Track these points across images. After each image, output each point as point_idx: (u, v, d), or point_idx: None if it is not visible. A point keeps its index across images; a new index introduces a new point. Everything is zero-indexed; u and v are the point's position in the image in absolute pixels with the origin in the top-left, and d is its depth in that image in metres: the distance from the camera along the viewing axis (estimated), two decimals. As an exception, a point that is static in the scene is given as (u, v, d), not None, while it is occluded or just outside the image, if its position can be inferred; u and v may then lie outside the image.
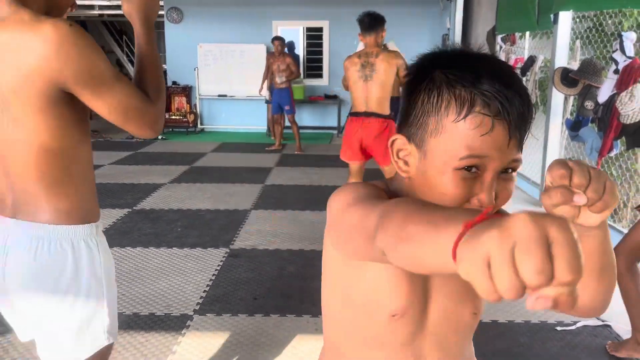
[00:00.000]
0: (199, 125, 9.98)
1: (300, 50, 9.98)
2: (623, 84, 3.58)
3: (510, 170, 0.74)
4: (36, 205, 1.20)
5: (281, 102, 7.74)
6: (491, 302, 0.42)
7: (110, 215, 4.55)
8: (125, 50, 15.61)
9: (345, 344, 0.89)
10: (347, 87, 4.15)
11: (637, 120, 3.25)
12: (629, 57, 3.66)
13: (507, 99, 0.70)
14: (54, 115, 1.15)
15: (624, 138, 3.53)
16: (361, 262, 0.78)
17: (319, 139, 9.13)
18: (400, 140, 0.79)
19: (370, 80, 3.88)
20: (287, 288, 3.18)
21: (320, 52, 9.86)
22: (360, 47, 4.26)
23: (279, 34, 9.26)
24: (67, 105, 1.16)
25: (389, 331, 0.82)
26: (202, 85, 9.88)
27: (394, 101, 4.02)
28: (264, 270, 3.45)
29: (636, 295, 2.26)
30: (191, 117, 9.72)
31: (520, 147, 0.73)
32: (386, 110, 3.94)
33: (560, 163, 0.59)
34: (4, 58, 1.11)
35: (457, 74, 0.71)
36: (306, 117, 9.82)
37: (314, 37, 9.87)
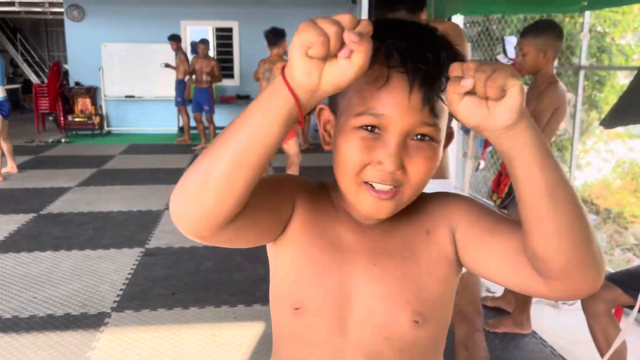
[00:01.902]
0: (105, 128, 9.66)
1: (210, 50, 9.94)
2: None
3: (423, 137, 0.67)
4: None
5: (201, 101, 7.87)
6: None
7: (14, 221, 4.37)
8: (20, 49, 14.68)
9: (277, 340, 0.83)
10: (257, 81, 5.12)
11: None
12: (511, 59, 4.09)
13: (411, 52, 0.64)
14: None
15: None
16: (274, 251, 0.77)
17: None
18: (325, 111, 0.74)
19: (270, 81, 4.81)
20: (205, 282, 3.26)
21: (231, 53, 9.89)
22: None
23: (188, 34, 9.22)
24: None
25: (302, 327, 0.75)
26: (107, 86, 9.58)
27: None
28: (181, 267, 3.50)
29: (614, 334, 2.04)
30: (97, 119, 9.38)
31: (433, 111, 0.66)
32: None
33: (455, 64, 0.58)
34: None
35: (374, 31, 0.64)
36: (218, 118, 9.78)
37: (223, 37, 9.88)
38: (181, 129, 9.07)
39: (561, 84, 2.56)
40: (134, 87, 9.64)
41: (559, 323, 2.83)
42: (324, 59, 0.54)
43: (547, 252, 0.60)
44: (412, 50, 0.64)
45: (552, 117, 2.51)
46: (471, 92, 0.57)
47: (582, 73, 3.43)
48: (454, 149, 5.49)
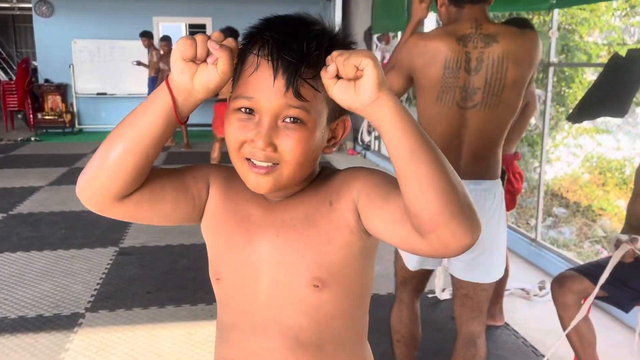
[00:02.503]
0: (77, 126, 9.48)
1: (183, 47, 9.84)
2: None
3: (295, 120, 0.73)
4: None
5: None
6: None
7: (-17, 221, 4.27)
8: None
9: (218, 314, 0.92)
10: None
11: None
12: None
13: (279, 42, 0.72)
14: None
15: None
16: (202, 229, 0.88)
17: (207, 136, 9.04)
18: None
19: None
20: (180, 280, 3.24)
21: (204, 49, 9.79)
22: None
23: (160, 30, 9.10)
24: None
25: (223, 295, 0.86)
26: (78, 83, 9.40)
27: None
28: (157, 266, 3.47)
29: (584, 324, 2.12)
30: (68, 117, 9.20)
31: (297, 94, 0.72)
32: None
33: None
34: None
35: (262, 27, 0.76)
36: (192, 115, 9.68)
37: (197, 33, 9.77)
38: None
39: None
40: (106, 84, 9.48)
41: (530, 314, 2.89)
42: (195, 63, 0.70)
43: (415, 207, 0.67)
44: (281, 41, 0.72)
45: (522, 112, 2.56)
46: (340, 77, 0.68)
47: (551, 70, 3.51)
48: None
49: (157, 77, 7.89)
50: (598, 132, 8.02)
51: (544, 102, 3.54)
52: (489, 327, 2.75)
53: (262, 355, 0.83)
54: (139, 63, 8.15)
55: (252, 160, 0.75)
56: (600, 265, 2.15)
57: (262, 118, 0.73)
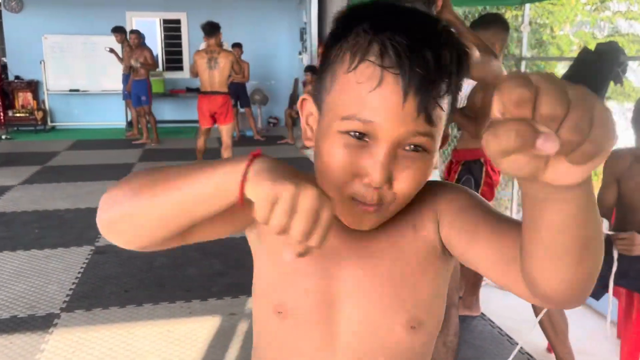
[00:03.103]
0: (49, 123, 9.30)
1: (157, 42, 9.72)
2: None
3: (416, 148, 0.59)
4: None
5: (140, 93, 7.62)
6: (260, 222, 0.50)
7: (-47, 222, 4.17)
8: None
9: (258, 343, 0.77)
10: (195, 74, 5.45)
11: (463, 105, 3.76)
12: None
13: (409, 50, 0.56)
14: None
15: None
16: (253, 241, 0.73)
17: (182, 132, 8.99)
18: (308, 102, 0.67)
19: (215, 69, 5.29)
20: (158, 278, 3.22)
21: (180, 45, 9.69)
22: (203, 45, 5.75)
23: (134, 26, 8.97)
24: None
25: (285, 333, 0.71)
26: (50, 80, 9.22)
27: (233, 85, 6.49)
28: (134, 264, 3.43)
29: (556, 313, 2.16)
30: (39, 115, 9.02)
31: (429, 119, 0.58)
32: (225, 89, 5.42)
33: (520, 79, 0.35)
34: None
35: (366, 23, 0.59)
36: (168, 111, 9.61)
37: (171, 29, 9.67)
38: (130, 123, 8.85)
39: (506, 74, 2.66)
40: (79, 80, 9.31)
41: (506, 305, 2.95)
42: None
43: (549, 289, 0.53)
44: (410, 48, 0.56)
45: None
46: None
47: (523, 63, 3.57)
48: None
49: (130, 75, 7.75)
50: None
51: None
52: (466, 317, 2.80)
53: None
54: (111, 50, 7.96)
55: (358, 199, 0.61)
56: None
57: (380, 146, 0.58)
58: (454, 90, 0.60)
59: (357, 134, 0.59)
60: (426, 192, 0.68)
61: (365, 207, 0.61)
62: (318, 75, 0.65)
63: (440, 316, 0.73)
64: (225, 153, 5.34)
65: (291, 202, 0.48)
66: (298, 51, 9.22)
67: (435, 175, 4.63)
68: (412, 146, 0.59)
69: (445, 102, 0.59)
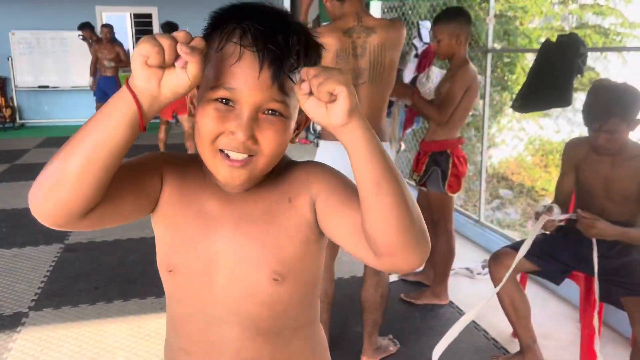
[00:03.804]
0: (18, 120, 9.12)
1: (128, 38, 9.59)
2: (421, 66, 4.15)
3: (274, 112, 0.73)
4: None
5: (107, 90, 7.38)
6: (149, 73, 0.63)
7: None
8: None
9: (167, 303, 0.90)
10: None
11: (432, 97, 3.81)
12: (426, 43, 4.24)
13: (264, 33, 0.70)
14: None
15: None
16: (153, 221, 0.84)
17: (154, 128, 8.85)
18: None
19: None
20: (129, 275, 3.20)
21: (151, 40, 9.55)
22: None
23: (104, 20, 8.82)
24: None
25: (175, 287, 0.84)
26: (18, 77, 9.03)
27: None
28: (104, 261, 3.41)
29: (519, 298, 2.23)
30: (8, 112, 8.85)
31: (282, 89, 0.72)
32: None
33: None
34: None
35: (233, 15, 0.73)
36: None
37: (142, 24, 9.55)
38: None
39: (472, 65, 2.71)
40: (48, 76, 9.15)
41: (473, 292, 3.01)
42: (161, 68, 0.63)
43: (374, 233, 0.69)
44: (265, 32, 0.70)
45: (464, 96, 2.65)
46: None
47: (489, 56, 3.62)
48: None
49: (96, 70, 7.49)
50: (541, 116, 8.33)
51: (484, 88, 3.65)
52: (434, 305, 2.85)
53: (222, 344, 0.84)
54: (84, 38, 7.77)
55: (226, 152, 0.73)
56: (533, 242, 2.26)
57: (243, 110, 0.71)
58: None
59: (224, 100, 0.72)
60: (304, 171, 0.83)
61: (233, 162, 0.73)
62: None
63: (308, 277, 0.86)
64: (188, 142, 5.72)
65: (144, 46, 0.63)
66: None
67: (403, 166, 4.63)
68: (270, 111, 0.73)
69: (295, 78, 0.73)
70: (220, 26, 0.73)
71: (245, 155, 0.73)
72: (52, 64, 9.09)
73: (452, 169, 2.70)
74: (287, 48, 0.71)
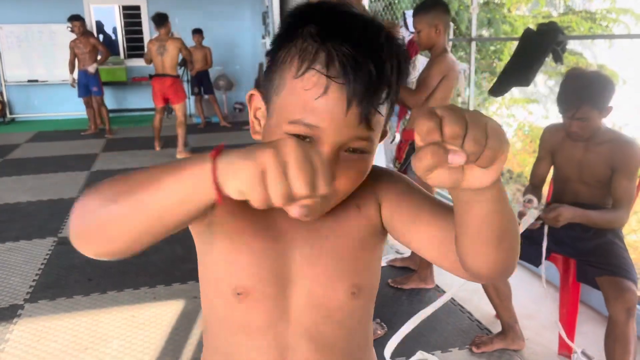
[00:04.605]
0: (8, 115, 9.10)
1: (118, 30, 9.55)
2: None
3: (355, 150, 0.65)
4: None
5: (88, 83, 7.35)
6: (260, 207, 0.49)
7: None
8: None
9: (211, 329, 0.81)
10: (149, 61, 6.20)
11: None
12: (412, 32, 4.29)
13: (354, 60, 0.60)
14: None
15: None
16: (201, 235, 0.76)
17: (147, 120, 8.91)
18: (257, 97, 0.71)
19: (165, 55, 6.03)
20: (122, 266, 3.26)
21: (140, 32, 9.55)
22: (155, 34, 6.37)
23: (92, 14, 8.79)
24: None
25: (244, 314, 0.75)
26: (7, 71, 9.00)
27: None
28: (98, 253, 3.46)
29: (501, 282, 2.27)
30: (-2, 107, 8.82)
31: (368, 125, 0.63)
32: (174, 73, 6.16)
33: (427, 113, 0.46)
34: None
35: (313, 27, 0.63)
36: (131, 99, 9.50)
37: (131, 16, 9.51)
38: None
39: (450, 55, 2.76)
40: (37, 70, 9.12)
41: (458, 277, 3.09)
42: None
43: (476, 268, 0.64)
44: (355, 59, 0.60)
45: (440, 84, 2.70)
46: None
47: (473, 44, 3.68)
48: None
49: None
50: (529, 102, 8.41)
51: (469, 76, 3.71)
52: (421, 289, 2.93)
53: None
54: (73, 30, 7.73)
55: None
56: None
57: (324, 149, 0.63)
58: (393, 97, 0.66)
59: (304, 137, 0.63)
60: (370, 177, 0.75)
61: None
62: (266, 73, 0.68)
63: (376, 282, 0.82)
64: (179, 129, 6.08)
65: (278, 163, 0.47)
66: (261, 35, 9.19)
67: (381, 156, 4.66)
68: (352, 149, 0.65)
69: (384, 109, 0.66)
70: (297, 37, 0.63)
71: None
72: (41, 57, 9.06)
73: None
74: (379, 79, 0.61)
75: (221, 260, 0.74)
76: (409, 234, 0.74)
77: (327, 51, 0.60)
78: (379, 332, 2.49)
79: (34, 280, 3.06)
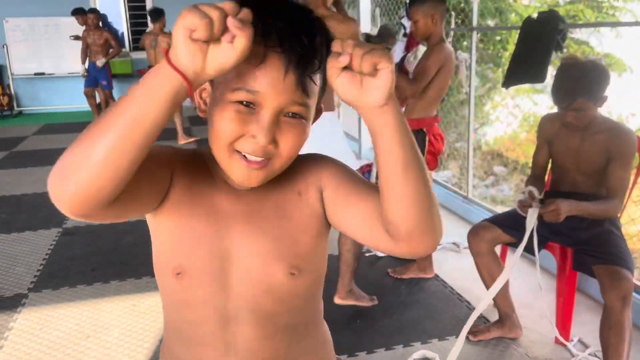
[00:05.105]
0: (15, 108, 9.17)
1: (122, 22, 9.57)
2: (410, 46, 4.19)
3: (294, 115, 0.72)
4: None
5: (98, 76, 7.35)
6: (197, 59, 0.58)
7: None
8: None
9: (165, 307, 0.87)
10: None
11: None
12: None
13: (288, 33, 0.67)
14: None
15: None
16: (155, 221, 0.80)
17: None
18: None
19: (157, 48, 6.39)
20: (125, 256, 3.30)
21: (146, 24, 9.55)
22: (151, 27, 6.75)
23: (97, 5, 8.82)
24: None
25: (185, 291, 0.80)
26: (14, 64, 9.05)
27: None
28: (101, 244, 3.50)
29: (497, 270, 2.30)
30: (5, 100, 8.89)
31: (305, 91, 0.70)
32: None
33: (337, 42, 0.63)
34: None
35: (256, 8, 0.66)
36: (137, 92, 9.51)
37: (136, 8, 9.52)
38: (99, 106, 8.76)
39: (448, 44, 2.75)
40: (44, 63, 9.16)
41: (458, 266, 3.10)
42: (207, 42, 0.58)
43: (396, 217, 0.69)
44: (289, 31, 0.68)
45: (438, 74, 2.70)
46: (348, 69, 0.62)
47: (474, 34, 3.66)
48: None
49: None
50: (535, 92, 8.34)
51: (470, 67, 3.70)
52: (420, 279, 2.95)
53: (238, 344, 0.82)
54: (77, 37, 7.80)
55: (244, 154, 0.72)
56: (509, 215, 2.34)
57: (265, 113, 0.69)
58: (323, 69, 0.71)
59: (246, 102, 0.70)
60: (310, 164, 0.83)
61: (251, 164, 0.72)
62: None
63: (321, 269, 0.87)
64: (175, 118, 6.36)
65: (191, 13, 0.57)
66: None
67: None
68: (291, 113, 0.72)
69: (317, 79, 0.73)
70: None
71: (263, 158, 0.72)
72: (47, 50, 9.10)
73: (429, 147, 2.77)
74: (312, 49, 0.69)
75: (166, 243, 0.80)
76: (344, 219, 0.79)
77: (265, 26, 0.66)
78: (365, 301, 2.59)
79: (38, 270, 3.10)
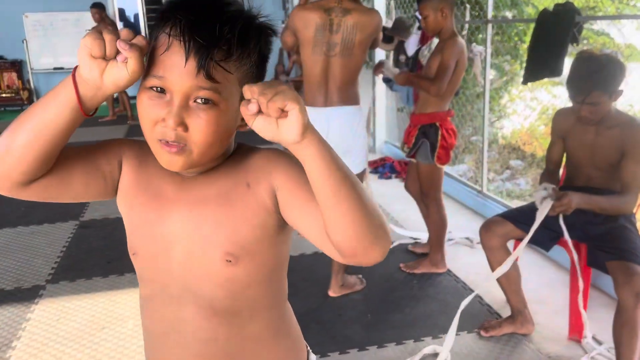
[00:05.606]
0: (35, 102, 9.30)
1: (140, 17, 9.65)
2: (424, 39, 4.16)
3: (202, 100, 0.74)
4: None
5: None
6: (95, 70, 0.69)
7: (-59, 203, 4.27)
8: None
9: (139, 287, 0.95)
10: None
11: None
12: (427, 16, 4.23)
13: (193, 23, 0.72)
14: None
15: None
16: (118, 205, 0.89)
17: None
18: None
19: None
20: (140, 249, 3.34)
21: (162, 18, 9.61)
22: None
23: (115, 0, 8.87)
24: None
25: (139, 269, 0.90)
26: (34, 59, 9.18)
27: None
28: (117, 237, 3.55)
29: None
30: (25, 94, 9.03)
31: (208, 75, 0.73)
32: None
33: (246, 87, 0.67)
34: None
35: (172, 9, 0.76)
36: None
37: (154, 2, 9.58)
38: (116, 100, 8.86)
39: (459, 38, 2.73)
40: (63, 58, 9.26)
41: (471, 261, 3.08)
42: (104, 59, 0.69)
43: (337, 238, 0.72)
44: (193, 22, 0.72)
45: (454, 69, 2.68)
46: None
47: (489, 26, 3.62)
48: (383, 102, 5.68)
49: None
50: (554, 85, 8.22)
51: (485, 59, 3.66)
52: (432, 274, 2.94)
53: (180, 324, 0.87)
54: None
55: (159, 138, 0.76)
56: (522, 211, 2.32)
57: (173, 97, 0.74)
58: (244, 58, 0.77)
59: (158, 88, 0.75)
60: (264, 159, 0.84)
61: (168, 148, 0.76)
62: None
63: (265, 259, 0.86)
64: None
65: (91, 35, 0.69)
66: (281, 20, 9.17)
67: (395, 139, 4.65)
68: (201, 99, 0.75)
69: (231, 67, 0.75)
70: (163, 19, 0.77)
71: (177, 142, 0.75)
72: (66, 45, 9.19)
73: (441, 141, 2.75)
74: (214, 37, 0.73)
75: (127, 227, 0.89)
76: (302, 225, 0.80)
77: (174, 19, 0.73)
78: (357, 287, 2.73)
79: (55, 262, 3.16)
